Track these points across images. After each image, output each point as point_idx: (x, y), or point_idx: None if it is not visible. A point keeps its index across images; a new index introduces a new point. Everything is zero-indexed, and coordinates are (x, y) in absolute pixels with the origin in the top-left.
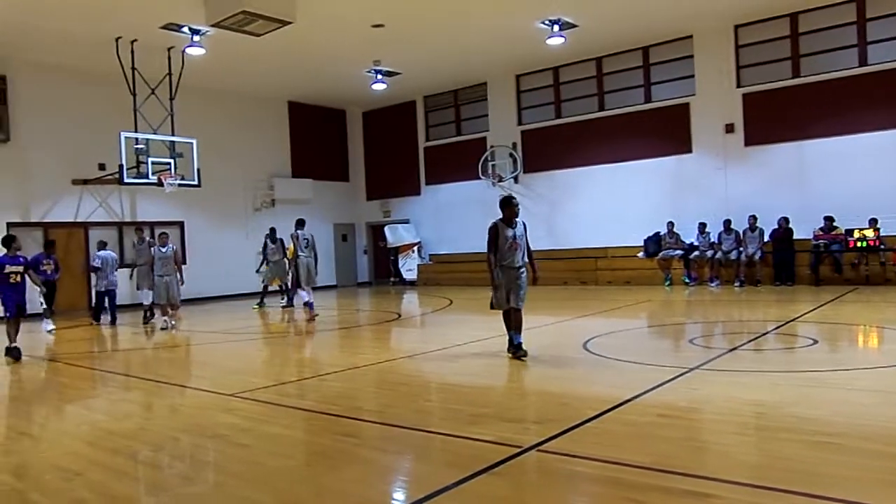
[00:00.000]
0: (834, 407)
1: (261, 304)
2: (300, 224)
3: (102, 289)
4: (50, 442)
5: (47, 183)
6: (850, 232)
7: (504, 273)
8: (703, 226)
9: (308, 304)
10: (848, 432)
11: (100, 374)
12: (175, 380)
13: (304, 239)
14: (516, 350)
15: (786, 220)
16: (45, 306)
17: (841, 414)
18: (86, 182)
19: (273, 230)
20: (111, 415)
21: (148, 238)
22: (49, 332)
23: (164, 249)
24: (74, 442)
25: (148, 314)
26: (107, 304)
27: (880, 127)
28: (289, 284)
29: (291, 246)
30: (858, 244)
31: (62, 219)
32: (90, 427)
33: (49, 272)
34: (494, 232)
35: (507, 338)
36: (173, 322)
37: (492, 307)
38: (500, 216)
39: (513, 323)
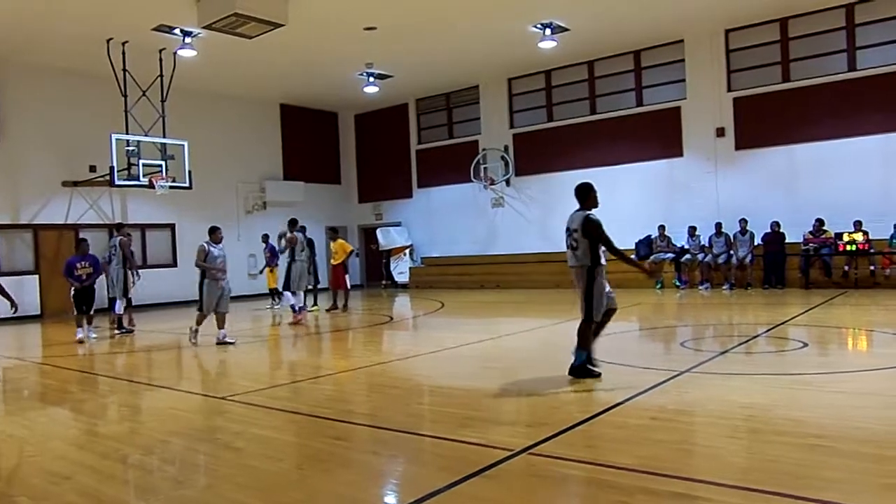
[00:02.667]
0: (824, 410)
1: (315, 305)
2: (297, 224)
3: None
4: (38, 445)
5: (37, 184)
6: (839, 235)
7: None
8: (692, 229)
9: (294, 308)
10: (838, 435)
11: (89, 376)
12: (166, 382)
13: (301, 242)
14: (592, 368)
15: (777, 224)
16: (75, 313)
17: (831, 416)
18: (76, 184)
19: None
20: (101, 418)
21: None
22: (79, 341)
23: (217, 249)
24: (63, 445)
25: (119, 322)
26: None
27: (870, 131)
28: (311, 285)
29: (335, 243)
30: (848, 248)
31: (52, 221)
32: (79, 430)
33: (84, 276)
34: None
35: (586, 357)
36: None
37: (595, 318)
38: (580, 207)
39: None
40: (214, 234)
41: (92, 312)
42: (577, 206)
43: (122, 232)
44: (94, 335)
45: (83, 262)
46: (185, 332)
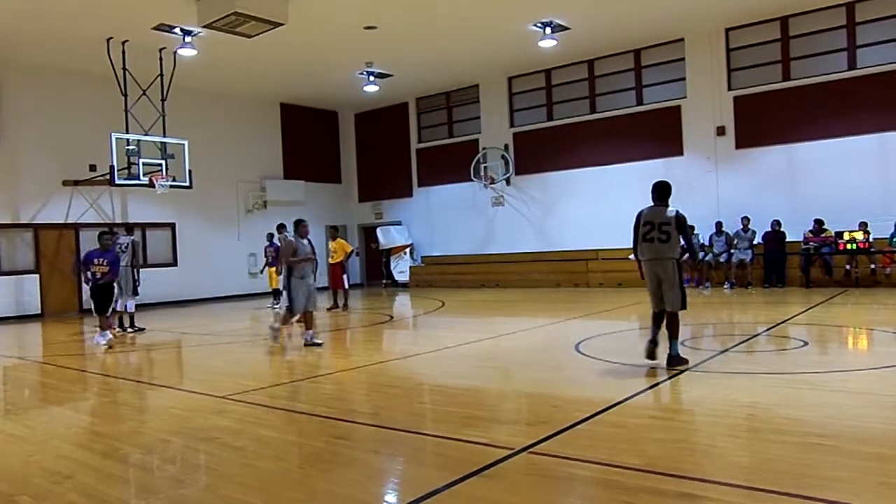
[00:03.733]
0: (825, 409)
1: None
2: (284, 228)
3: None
4: (39, 445)
5: (38, 184)
6: (839, 234)
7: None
8: (691, 228)
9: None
10: (839, 434)
11: (90, 375)
12: (167, 382)
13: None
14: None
15: (777, 223)
16: (97, 313)
17: (832, 416)
18: (76, 183)
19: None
20: (102, 417)
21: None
22: (102, 345)
23: (306, 242)
24: (64, 445)
25: (131, 321)
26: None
27: (869, 130)
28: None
29: (334, 242)
30: (848, 247)
31: (53, 220)
32: (80, 429)
33: (99, 275)
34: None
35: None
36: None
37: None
38: (657, 203)
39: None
40: (301, 227)
41: (108, 314)
42: (653, 203)
43: (132, 232)
44: (103, 341)
45: (101, 259)
46: (185, 332)
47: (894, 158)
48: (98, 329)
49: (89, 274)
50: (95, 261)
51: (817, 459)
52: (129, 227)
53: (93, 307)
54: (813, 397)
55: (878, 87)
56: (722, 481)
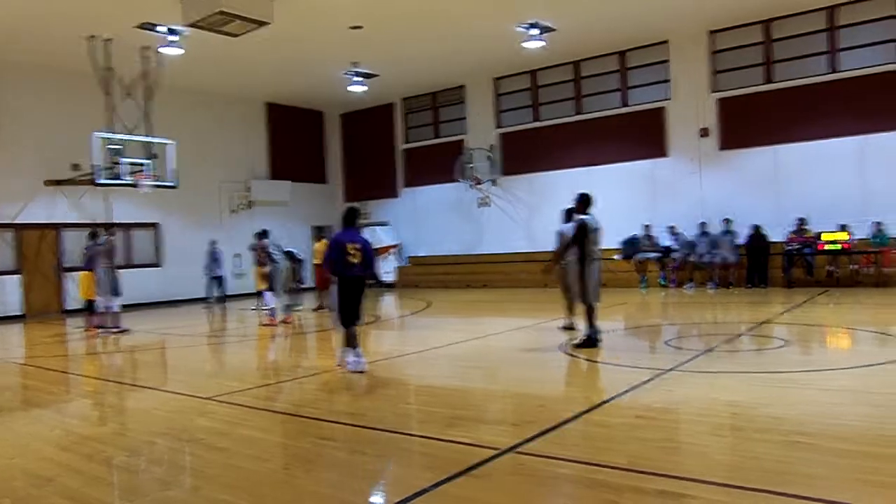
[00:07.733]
0: (807, 407)
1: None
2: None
3: (213, 275)
4: (20, 447)
5: (19, 183)
6: (818, 235)
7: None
8: (671, 228)
9: (272, 312)
10: (821, 432)
11: (73, 377)
12: (151, 383)
13: (276, 245)
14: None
15: (758, 227)
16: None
17: (814, 414)
18: (59, 183)
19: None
20: (85, 419)
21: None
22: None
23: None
24: (46, 447)
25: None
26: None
27: (851, 132)
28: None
29: (319, 243)
30: (829, 247)
31: (34, 220)
32: (63, 431)
33: (355, 265)
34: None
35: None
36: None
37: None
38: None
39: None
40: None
41: (360, 325)
42: (587, 213)
43: (110, 232)
44: (359, 364)
45: (355, 243)
46: (169, 333)
47: (874, 161)
48: (344, 349)
49: (346, 265)
50: (349, 245)
51: (799, 457)
52: (108, 227)
53: (337, 316)
54: (795, 396)
55: (859, 91)
56: (706, 480)
